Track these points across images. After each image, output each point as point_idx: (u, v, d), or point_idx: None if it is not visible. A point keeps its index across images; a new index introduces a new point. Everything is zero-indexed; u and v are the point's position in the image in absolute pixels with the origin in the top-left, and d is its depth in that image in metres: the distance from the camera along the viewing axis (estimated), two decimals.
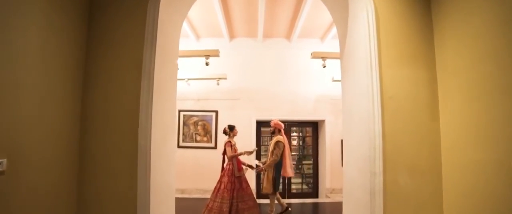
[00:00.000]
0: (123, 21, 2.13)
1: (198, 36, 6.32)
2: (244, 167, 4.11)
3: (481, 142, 1.69)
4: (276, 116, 5.41)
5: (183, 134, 6.26)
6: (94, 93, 2.06)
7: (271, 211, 4.09)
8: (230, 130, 4.13)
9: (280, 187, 6.22)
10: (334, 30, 5.58)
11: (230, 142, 4.04)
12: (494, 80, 1.62)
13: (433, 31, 2.16)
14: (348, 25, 2.42)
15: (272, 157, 4.03)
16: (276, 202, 4.20)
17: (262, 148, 6.66)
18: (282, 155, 4.06)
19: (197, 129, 6.27)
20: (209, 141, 6.24)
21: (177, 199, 2.90)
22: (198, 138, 6.26)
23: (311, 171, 6.79)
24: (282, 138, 4.11)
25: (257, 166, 4.37)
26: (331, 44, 6.06)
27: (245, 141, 5.75)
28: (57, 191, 1.83)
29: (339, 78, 2.84)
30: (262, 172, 4.20)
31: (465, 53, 1.85)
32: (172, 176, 2.56)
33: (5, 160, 1.43)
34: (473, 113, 1.77)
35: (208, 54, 4.85)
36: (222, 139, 5.56)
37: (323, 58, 5.13)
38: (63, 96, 1.87)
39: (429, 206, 1.99)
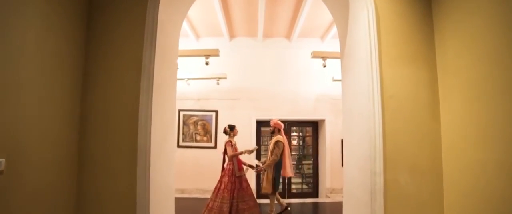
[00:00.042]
0: (123, 21, 2.12)
1: (198, 36, 6.32)
2: (244, 167, 4.11)
3: (482, 141, 1.69)
4: (276, 115, 5.41)
5: (183, 134, 6.25)
6: (94, 93, 2.06)
7: (271, 211, 4.08)
8: (231, 130, 4.13)
9: (280, 187, 6.25)
10: (334, 30, 5.58)
11: (230, 141, 4.03)
12: (494, 80, 1.61)
13: (434, 30, 2.15)
14: (348, 24, 2.41)
15: (271, 156, 4.02)
16: (275, 202, 4.20)
17: (262, 147, 6.66)
18: (282, 154, 4.06)
19: (197, 128, 6.26)
20: (209, 140, 6.23)
21: (177, 199, 2.90)
22: (198, 137, 6.25)
23: (311, 171, 6.78)
24: (281, 137, 4.11)
25: (256, 165, 4.37)
26: (331, 44, 6.06)
27: (245, 140, 5.74)
28: (56, 191, 1.82)
29: (339, 78, 2.83)
30: (261, 172, 4.19)
31: (465, 53, 1.84)
32: (171, 175, 2.56)
33: (4, 159, 1.42)
34: (473, 113, 1.76)
35: (208, 54, 4.84)
36: (222, 138, 5.55)
37: (323, 57, 5.13)
38: (62, 96, 1.86)
39: (429, 206, 1.99)
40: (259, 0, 4.47)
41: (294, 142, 7.39)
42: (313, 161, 6.76)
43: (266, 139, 6.89)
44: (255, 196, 4.10)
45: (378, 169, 1.95)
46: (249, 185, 3.99)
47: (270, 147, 4.15)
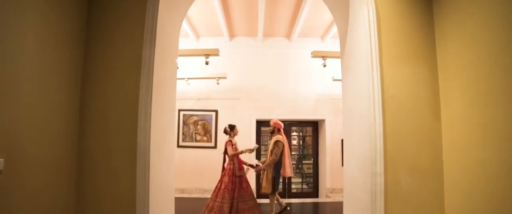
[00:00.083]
0: (122, 20, 2.11)
1: (198, 36, 6.31)
2: (245, 166, 4.10)
3: (483, 141, 1.68)
4: (276, 115, 5.40)
5: (183, 134, 6.25)
6: (93, 93, 2.05)
7: (271, 211, 4.08)
8: (231, 130, 4.12)
9: (280, 187, 6.25)
10: (334, 29, 5.57)
11: (231, 141, 4.02)
12: (495, 79, 1.60)
13: (435, 30, 2.14)
14: (348, 24, 2.41)
15: (271, 156, 4.01)
16: (275, 202, 4.19)
17: (262, 147, 6.65)
18: (282, 154, 4.05)
19: (197, 128, 6.26)
20: (209, 140, 6.22)
21: (177, 199, 2.89)
22: (198, 137, 6.25)
23: (311, 171, 6.78)
24: (281, 137, 4.10)
25: (256, 165, 4.36)
26: (332, 43, 6.05)
27: (245, 140, 5.73)
28: (56, 190, 1.82)
29: (340, 78, 2.83)
30: (261, 172, 4.18)
31: (466, 52, 1.83)
32: (171, 175, 2.55)
33: (3, 159, 1.42)
34: (474, 113, 1.75)
35: (208, 53, 4.84)
36: (222, 138, 5.55)
37: (324, 57, 5.12)
38: (61, 96, 1.86)
39: (430, 206, 1.98)
40: (259, 0, 4.46)
41: (294, 142, 7.38)
42: (313, 161, 6.76)
43: (266, 139, 6.89)
44: (255, 196, 4.10)
45: (378, 169, 1.94)
46: (249, 185, 3.98)
47: (270, 147, 4.14)
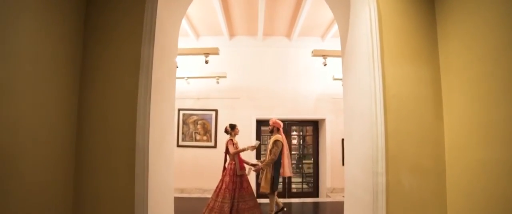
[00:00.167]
0: (121, 20, 2.09)
1: (197, 35, 6.29)
2: (247, 167, 4.08)
3: (486, 141, 1.67)
4: (276, 114, 5.39)
5: (183, 133, 6.23)
6: (92, 92, 2.03)
7: (271, 210, 4.06)
8: (232, 129, 4.10)
9: (280, 186, 6.23)
10: (334, 28, 5.55)
11: (231, 140, 4.01)
12: (497, 80, 1.59)
13: (437, 28, 2.12)
14: (349, 22, 2.39)
15: (270, 155, 4.00)
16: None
17: (262, 147, 6.64)
18: (281, 154, 4.03)
19: (196, 128, 6.24)
20: (209, 140, 6.21)
21: (177, 199, 2.87)
22: (198, 137, 6.23)
23: (311, 171, 6.76)
24: (280, 137, 4.07)
25: (255, 165, 4.34)
26: (332, 43, 6.04)
27: (245, 140, 5.72)
28: (54, 190, 1.80)
29: (340, 77, 2.81)
30: (260, 171, 4.16)
31: (469, 51, 1.81)
32: (171, 175, 2.53)
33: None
34: (477, 112, 1.74)
35: (207, 52, 4.82)
36: (222, 138, 5.54)
37: (324, 56, 5.10)
38: (59, 96, 1.84)
39: (432, 206, 1.96)
40: None
41: (295, 141, 7.36)
42: (313, 160, 6.75)
43: (266, 138, 6.87)
44: (255, 195, 4.08)
45: (380, 169, 1.92)
46: (250, 185, 3.97)
47: (269, 146, 4.12)
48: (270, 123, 4.22)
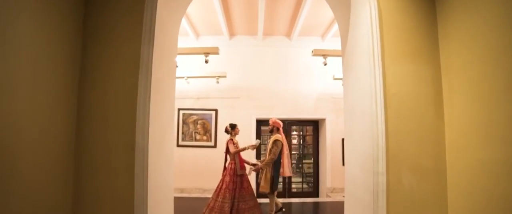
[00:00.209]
0: (120, 20, 2.08)
1: (197, 34, 6.28)
2: (248, 167, 4.07)
3: (486, 140, 1.66)
4: (276, 114, 5.38)
5: (183, 133, 6.22)
6: (91, 92, 2.02)
7: (271, 210, 4.05)
8: (232, 129, 4.10)
9: (280, 186, 6.23)
10: (335, 28, 5.54)
11: (232, 139, 4.00)
12: (497, 79, 1.59)
13: (438, 27, 2.11)
14: (350, 21, 2.38)
15: (269, 155, 3.99)
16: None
17: (262, 147, 6.63)
18: (281, 154, 4.02)
19: (196, 127, 6.23)
20: (209, 139, 6.20)
21: (176, 198, 2.87)
22: (198, 136, 6.23)
23: (311, 170, 6.76)
24: (280, 136, 4.07)
25: (255, 164, 4.33)
26: (332, 42, 6.02)
27: (245, 139, 5.71)
28: (53, 190, 1.79)
29: (340, 76, 2.80)
30: (260, 171, 4.16)
31: (469, 51, 1.81)
32: (170, 175, 2.53)
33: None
34: (478, 111, 1.73)
35: (207, 52, 4.82)
36: (222, 137, 5.53)
37: (324, 55, 5.10)
38: (56, 96, 1.83)
39: (433, 206, 1.96)
40: None
41: (295, 141, 7.36)
42: (313, 160, 6.74)
43: (266, 138, 6.86)
44: (255, 195, 4.07)
45: (380, 169, 1.91)
46: (250, 185, 3.96)
47: (269, 146, 4.11)
48: (270, 122, 4.21)
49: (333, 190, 6.11)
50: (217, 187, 3.87)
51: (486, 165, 1.65)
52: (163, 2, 2.21)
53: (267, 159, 4.01)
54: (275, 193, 4.08)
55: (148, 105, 1.98)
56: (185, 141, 6.21)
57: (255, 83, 6.26)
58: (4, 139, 1.43)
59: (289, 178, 6.35)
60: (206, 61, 4.85)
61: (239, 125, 4.27)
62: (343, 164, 4.59)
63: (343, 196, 2.63)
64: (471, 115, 1.78)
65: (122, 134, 1.97)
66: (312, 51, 5.12)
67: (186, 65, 5.73)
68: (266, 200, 4.45)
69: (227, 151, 4.01)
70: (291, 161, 4.43)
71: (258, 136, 6.46)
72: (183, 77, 5.64)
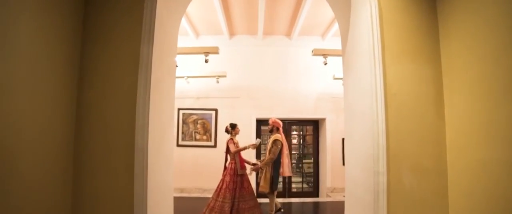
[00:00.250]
0: (120, 19, 2.08)
1: (197, 34, 6.27)
2: (248, 167, 4.07)
3: (488, 140, 1.65)
4: (276, 114, 5.37)
5: (183, 133, 6.22)
6: (90, 92, 2.02)
7: (271, 210, 4.05)
8: (232, 129, 4.09)
9: (280, 186, 6.22)
10: (335, 28, 5.53)
11: (232, 139, 4.00)
12: (498, 79, 1.58)
13: (438, 27, 2.11)
14: (350, 21, 2.37)
15: (269, 155, 3.98)
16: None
17: (262, 146, 6.63)
18: (281, 153, 4.01)
19: (196, 127, 6.23)
20: (209, 139, 6.20)
21: (176, 198, 2.86)
22: (198, 136, 6.22)
23: (311, 170, 6.75)
24: (280, 136, 4.06)
25: (254, 164, 4.32)
26: (332, 42, 6.01)
27: (245, 139, 5.70)
28: (52, 190, 1.79)
29: (340, 76, 2.80)
30: (259, 170, 4.15)
31: (471, 49, 1.80)
32: (170, 175, 2.52)
33: None
34: (479, 111, 1.73)
35: (207, 51, 4.81)
36: (222, 137, 5.53)
37: (324, 55, 5.09)
38: (55, 95, 1.83)
39: (433, 206, 1.95)
40: None
41: (295, 141, 7.35)
42: (313, 160, 6.73)
43: (266, 138, 6.86)
44: (255, 195, 4.07)
45: (381, 168, 1.91)
46: (250, 185, 3.95)
47: (268, 146, 4.10)
48: (270, 122, 4.21)
49: (333, 190, 6.11)
50: (217, 186, 3.87)
51: (487, 165, 1.65)
52: (163, 2, 2.21)
53: (266, 158, 4.01)
54: (275, 193, 4.08)
55: (147, 105, 1.98)
56: (185, 140, 6.21)
57: (255, 83, 6.26)
58: (4, 139, 1.43)
59: (289, 178, 6.34)
60: (206, 61, 4.84)
61: (239, 125, 4.27)
62: (343, 164, 4.58)
63: (343, 196, 2.62)
64: (472, 115, 1.77)
65: (121, 134, 1.96)
66: (312, 51, 5.11)
67: (186, 65, 5.72)
68: (266, 200, 4.45)
69: (228, 150, 4.00)
70: (291, 160, 4.42)
71: (258, 135, 6.45)
72: (183, 77, 5.63)
